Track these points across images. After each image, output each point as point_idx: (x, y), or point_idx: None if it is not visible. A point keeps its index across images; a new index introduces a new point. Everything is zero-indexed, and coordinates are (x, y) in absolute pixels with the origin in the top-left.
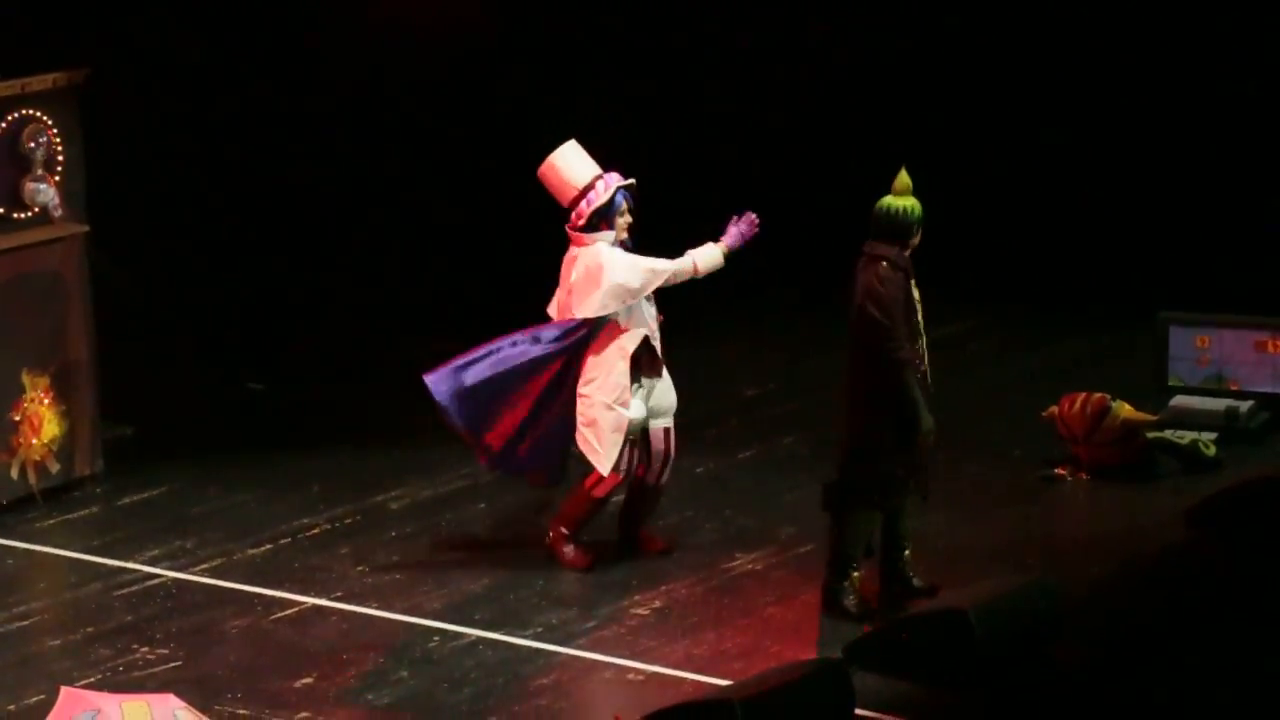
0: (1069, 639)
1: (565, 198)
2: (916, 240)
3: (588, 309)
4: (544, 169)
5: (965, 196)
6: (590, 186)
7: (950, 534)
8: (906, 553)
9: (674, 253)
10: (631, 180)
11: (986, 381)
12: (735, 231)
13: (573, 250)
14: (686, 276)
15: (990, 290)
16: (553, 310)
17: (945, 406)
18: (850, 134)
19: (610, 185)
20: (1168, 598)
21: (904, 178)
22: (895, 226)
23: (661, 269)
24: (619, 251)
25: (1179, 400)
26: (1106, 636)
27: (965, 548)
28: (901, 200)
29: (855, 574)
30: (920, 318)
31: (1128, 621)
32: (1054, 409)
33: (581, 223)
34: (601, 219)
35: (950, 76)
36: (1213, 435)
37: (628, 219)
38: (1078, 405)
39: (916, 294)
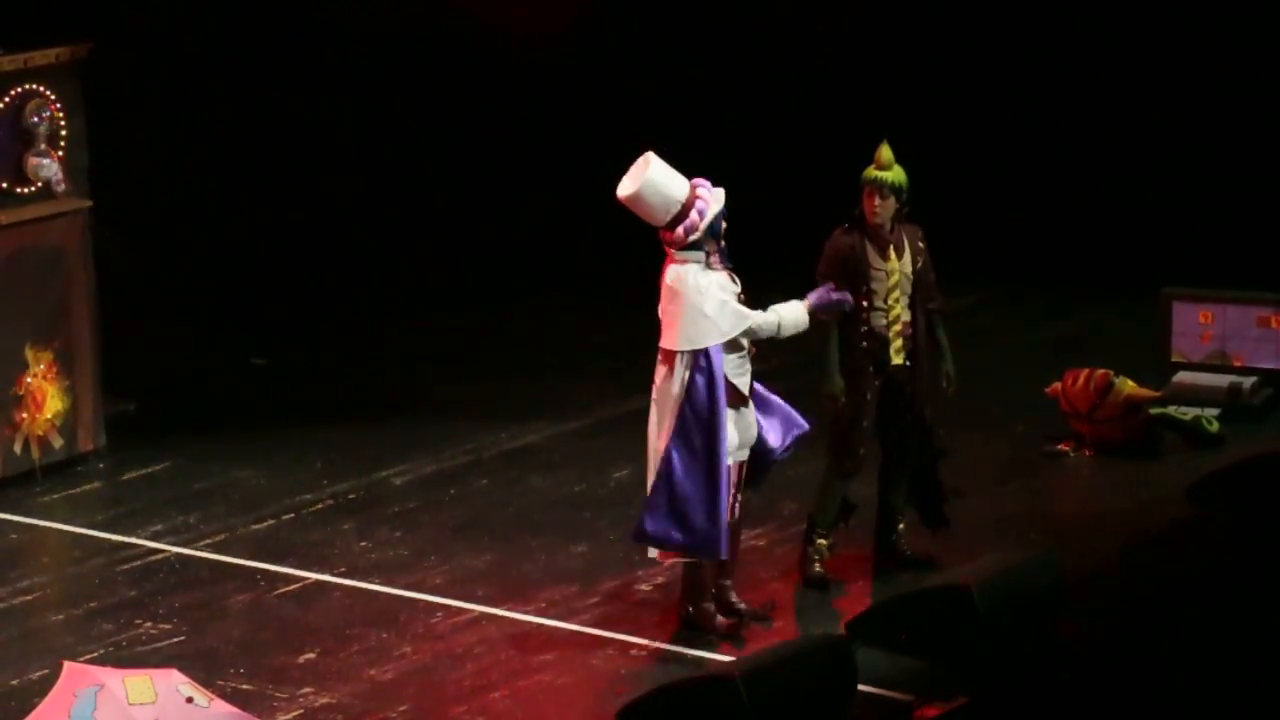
0: (1072, 614)
1: (664, 216)
2: (875, 205)
3: (675, 342)
4: (641, 190)
5: (970, 172)
6: (691, 202)
7: (953, 509)
8: (900, 526)
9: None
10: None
11: (990, 357)
12: (822, 292)
13: (672, 268)
14: (769, 333)
15: (994, 265)
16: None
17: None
18: (858, 110)
19: (716, 193)
20: (1170, 573)
21: (884, 151)
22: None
23: (750, 320)
24: (713, 278)
25: (1182, 376)
26: (1109, 612)
27: (968, 523)
28: (872, 170)
29: (821, 541)
30: (885, 288)
31: (1130, 597)
32: (1057, 385)
33: (694, 237)
34: (710, 230)
35: (962, 52)
36: (1215, 411)
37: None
38: (1081, 381)
39: (891, 263)
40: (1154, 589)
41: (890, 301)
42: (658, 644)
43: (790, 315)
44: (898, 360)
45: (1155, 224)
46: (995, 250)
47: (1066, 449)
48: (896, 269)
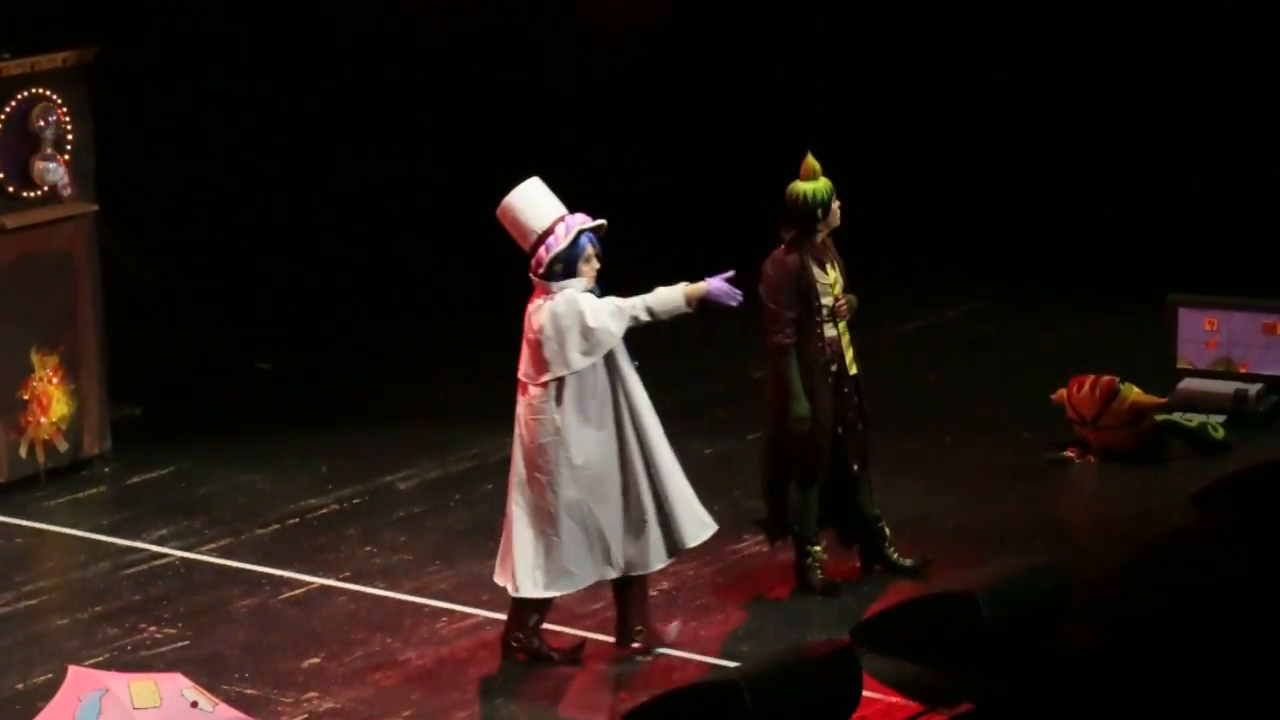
0: (1076, 621)
1: (525, 242)
2: (826, 221)
3: (569, 363)
4: (501, 210)
5: (974, 179)
6: (550, 230)
7: (958, 515)
8: (886, 531)
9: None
10: (599, 222)
11: (995, 363)
12: (715, 283)
13: (536, 301)
14: (643, 320)
15: (999, 272)
16: (525, 370)
17: (954, 387)
18: (866, 116)
19: (571, 228)
20: (1175, 580)
21: (810, 162)
22: (794, 211)
23: (627, 307)
24: (591, 296)
25: (1188, 383)
26: (1114, 619)
27: (973, 529)
28: (804, 185)
29: (814, 549)
30: (834, 298)
31: (1135, 604)
32: (1063, 391)
33: (542, 270)
34: (563, 265)
35: (964, 61)
36: (1221, 418)
37: (595, 265)
38: (1086, 387)
39: (832, 278)
40: (1159, 596)
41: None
42: (662, 650)
43: (662, 298)
44: (853, 370)
45: (1161, 230)
46: (1000, 256)
47: (1071, 455)
48: (836, 279)
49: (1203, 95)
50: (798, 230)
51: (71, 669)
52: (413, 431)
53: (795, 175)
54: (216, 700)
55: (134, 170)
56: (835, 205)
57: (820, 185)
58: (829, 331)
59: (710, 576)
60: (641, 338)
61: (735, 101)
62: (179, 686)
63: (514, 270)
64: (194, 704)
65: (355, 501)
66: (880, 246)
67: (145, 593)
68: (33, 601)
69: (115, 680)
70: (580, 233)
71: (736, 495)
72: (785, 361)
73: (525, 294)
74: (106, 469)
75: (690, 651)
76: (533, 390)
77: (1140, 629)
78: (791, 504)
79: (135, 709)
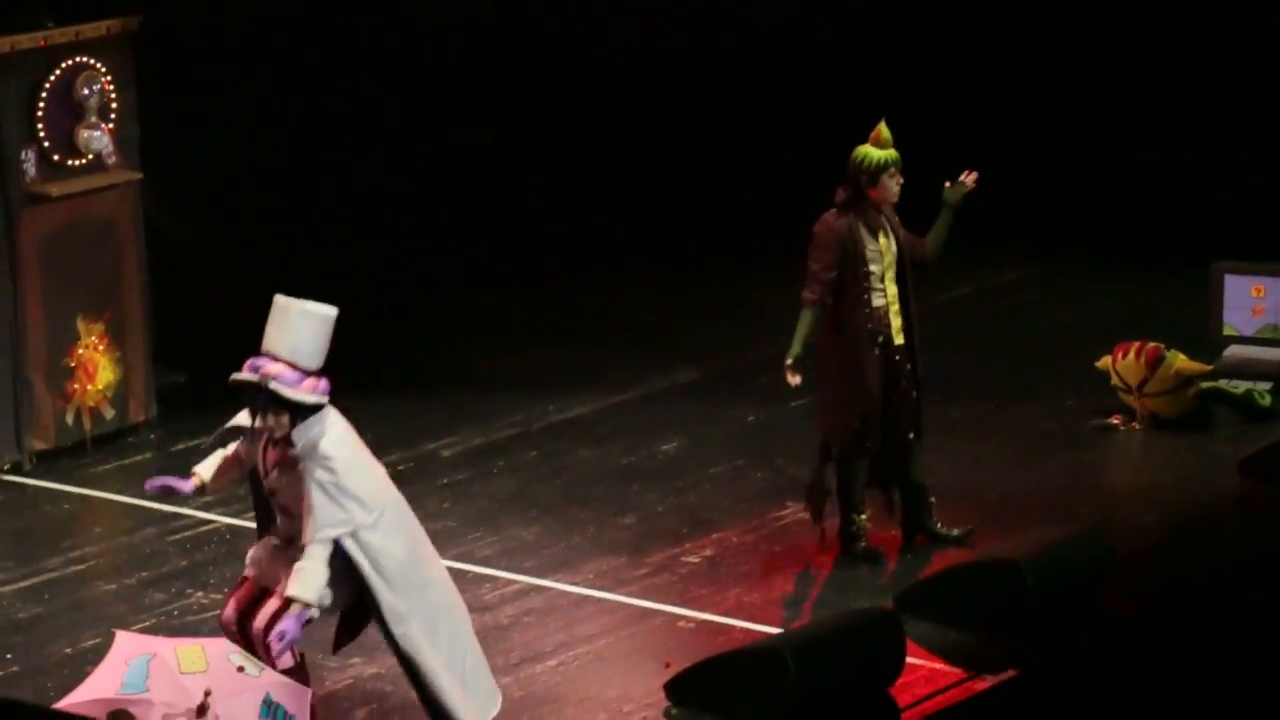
0: (1120, 589)
1: None
2: (880, 186)
3: None
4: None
5: (1019, 146)
6: None
7: (1003, 483)
8: (931, 501)
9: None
10: (247, 377)
11: (1040, 330)
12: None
13: None
14: None
15: (1045, 239)
16: None
17: (999, 355)
18: (909, 82)
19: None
20: (1220, 548)
21: (880, 129)
22: (848, 171)
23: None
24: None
25: (1233, 350)
26: (1158, 586)
27: (1017, 497)
28: (864, 148)
29: (859, 516)
30: (881, 269)
31: (1180, 571)
32: (1107, 358)
33: None
34: None
35: (1010, 30)
36: (1268, 385)
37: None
38: (1131, 355)
39: (883, 246)
40: (1204, 563)
41: (886, 281)
42: (706, 616)
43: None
44: (899, 340)
45: (1207, 196)
46: (1046, 224)
47: (1117, 422)
48: (889, 248)
49: (1249, 61)
50: (849, 193)
51: (119, 634)
52: (456, 399)
53: (849, 148)
54: (263, 665)
55: (178, 138)
56: (888, 179)
57: (877, 153)
58: (876, 301)
59: (754, 544)
60: (680, 305)
61: (775, 85)
62: (225, 651)
63: (556, 240)
64: (240, 669)
65: (399, 468)
66: (923, 214)
67: (191, 558)
68: (80, 567)
69: (162, 645)
70: (234, 379)
71: (779, 463)
72: (803, 313)
73: (564, 262)
74: (152, 435)
75: (734, 618)
76: None
77: (1185, 597)
78: (839, 472)
79: (182, 673)
